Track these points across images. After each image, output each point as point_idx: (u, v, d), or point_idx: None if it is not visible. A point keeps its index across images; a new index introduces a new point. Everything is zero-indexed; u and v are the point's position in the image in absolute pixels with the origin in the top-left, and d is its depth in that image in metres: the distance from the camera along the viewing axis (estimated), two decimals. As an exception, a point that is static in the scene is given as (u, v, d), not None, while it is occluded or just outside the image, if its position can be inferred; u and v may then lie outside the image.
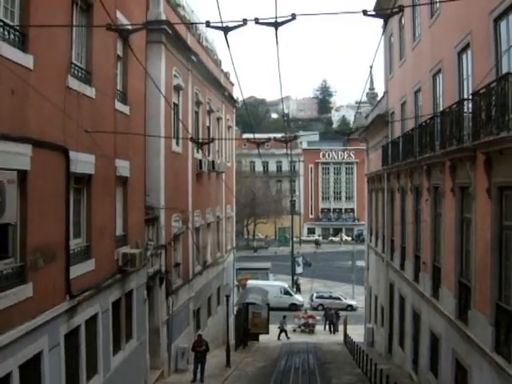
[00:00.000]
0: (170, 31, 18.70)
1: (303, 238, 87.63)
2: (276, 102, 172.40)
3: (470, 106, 12.49)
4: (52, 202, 10.15)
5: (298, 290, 49.40)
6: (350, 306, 43.17)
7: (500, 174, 11.20)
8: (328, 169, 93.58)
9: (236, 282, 38.79)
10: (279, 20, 4.01)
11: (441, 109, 15.69)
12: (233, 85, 33.64)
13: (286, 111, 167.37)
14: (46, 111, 9.58)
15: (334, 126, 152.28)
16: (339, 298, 44.01)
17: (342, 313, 37.44)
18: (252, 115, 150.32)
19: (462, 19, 14.01)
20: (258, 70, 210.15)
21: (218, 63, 30.13)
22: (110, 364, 13.55)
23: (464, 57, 14.15)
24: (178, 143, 20.93)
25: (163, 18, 18.16)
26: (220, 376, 20.29)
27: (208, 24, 5.42)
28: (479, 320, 12.35)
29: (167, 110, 18.75)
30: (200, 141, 21.82)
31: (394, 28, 24.19)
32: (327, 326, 36.75)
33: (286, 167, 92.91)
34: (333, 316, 36.27)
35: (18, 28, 8.88)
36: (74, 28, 11.21)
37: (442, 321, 15.47)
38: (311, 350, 28.53)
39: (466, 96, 13.64)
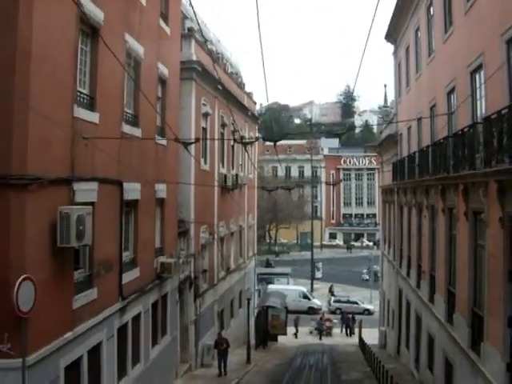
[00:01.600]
0: (200, 69, 21.55)
1: (325, 242, 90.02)
2: (299, 108, 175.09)
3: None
4: (110, 224, 13.00)
5: (333, 295, 51.38)
6: (367, 310, 45.46)
7: (472, 201, 13.75)
8: (349, 175, 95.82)
9: (257, 287, 41.57)
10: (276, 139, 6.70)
11: (436, 139, 18.26)
12: (255, 103, 36.47)
13: (308, 116, 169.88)
14: (107, 154, 12.40)
15: (357, 130, 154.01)
16: (356, 303, 46.38)
17: (358, 316, 39.84)
18: (275, 121, 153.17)
19: (450, 65, 16.56)
20: (281, 76, 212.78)
21: (242, 86, 32.97)
22: (149, 355, 16.37)
23: (452, 97, 16.70)
24: (205, 162, 23.74)
25: (194, 58, 21.04)
26: (241, 371, 23.04)
27: (234, 140, 8.06)
28: (460, 322, 14.87)
29: (197, 134, 21.58)
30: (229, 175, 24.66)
31: (401, 56, 26.69)
32: (344, 329, 39.30)
33: (308, 173, 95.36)
34: (349, 319, 38.79)
35: (88, 93, 11.76)
36: (126, 81, 14.05)
37: (435, 323, 17.98)
38: (326, 350, 31.09)
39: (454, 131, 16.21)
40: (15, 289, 8.85)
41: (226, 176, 26.90)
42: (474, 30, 13.58)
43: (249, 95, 35.07)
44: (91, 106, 11.76)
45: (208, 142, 24.09)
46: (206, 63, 22.25)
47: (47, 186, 9.82)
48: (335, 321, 40.58)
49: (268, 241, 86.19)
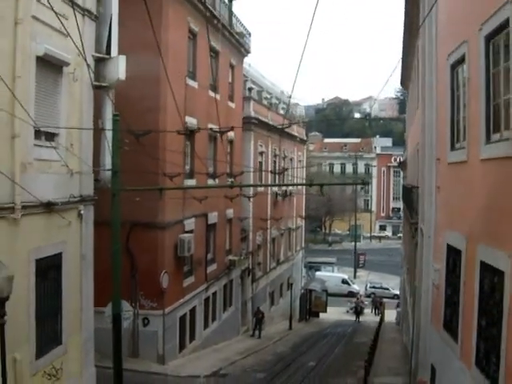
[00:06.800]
0: (257, 121, 30.38)
1: (375, 234, 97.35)
2: (359, 102, 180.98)
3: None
4: (200, 239, 22.14)
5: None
6: (396, 295, 53.15)
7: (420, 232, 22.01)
8: (399, 172, 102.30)
9: (306, 273, 50.51)
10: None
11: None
12: (304, 128, 45.05)
13: (368, 111, 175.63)
14: (199, 200, 21.42)
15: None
16: (388, 289, 54.34)
17: (385, 300, 47.89)
18: (336, 116, 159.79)
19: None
20: (342, 71, 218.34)
21: (292, 118, 41.65)
22: (221, 317, 25.58)
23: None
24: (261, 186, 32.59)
25: (252, 114, 29.84)
26: (283, 333, 32.07)
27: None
28: (415, 302, 23.24)
29: (255, 166, 30.50)
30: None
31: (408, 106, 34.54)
32: (373, 310, 47.61)
33: (361, 169, 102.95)
34: (377, 302, 47.03)
35: (189, 168, 20.85)
36: (208, 150, 23.04)
37: (410, 303, 26.29)
38: (354, 324, 39.63)
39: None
40: (160, 277, 18.15)
41: (276, 193, 35.73)
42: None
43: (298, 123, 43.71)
44: (191, 175, 20.86)
45: (263, 167, 32.97)
46: (261, 114, 31.01)
47: (173, 225, 19.06)
48: (366, 303, 48.82)
49: (323, 231, 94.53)
